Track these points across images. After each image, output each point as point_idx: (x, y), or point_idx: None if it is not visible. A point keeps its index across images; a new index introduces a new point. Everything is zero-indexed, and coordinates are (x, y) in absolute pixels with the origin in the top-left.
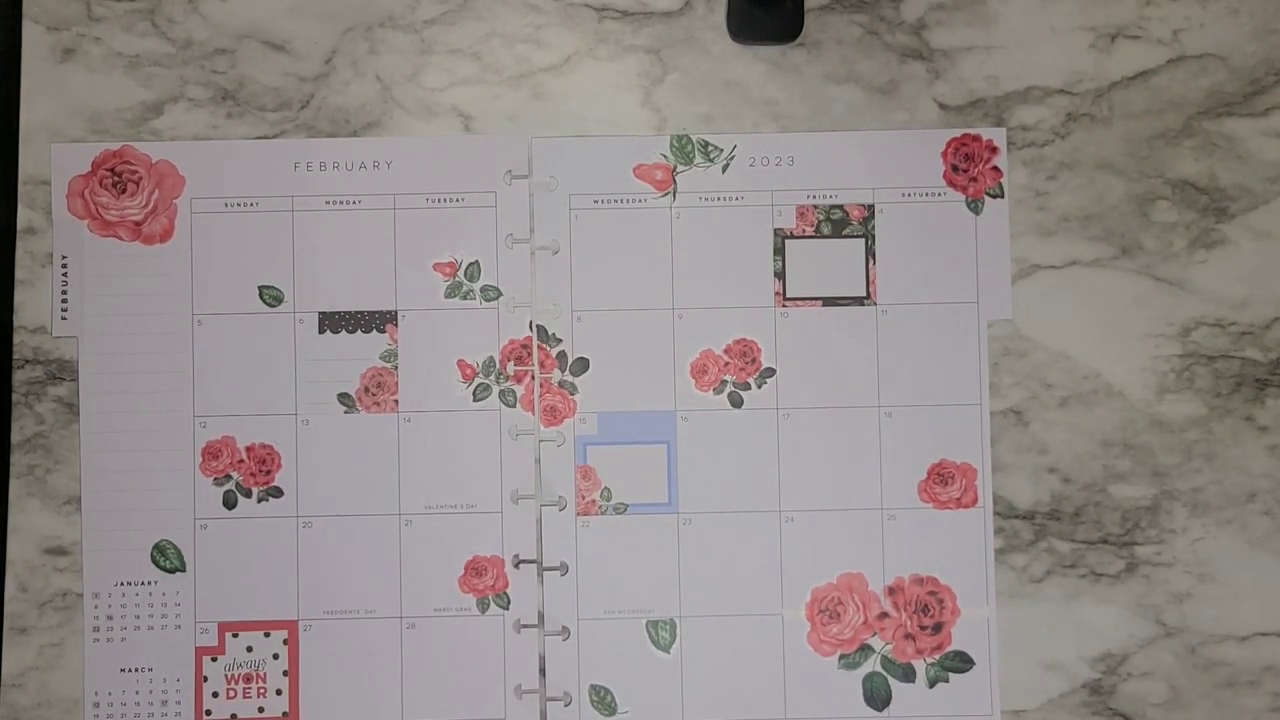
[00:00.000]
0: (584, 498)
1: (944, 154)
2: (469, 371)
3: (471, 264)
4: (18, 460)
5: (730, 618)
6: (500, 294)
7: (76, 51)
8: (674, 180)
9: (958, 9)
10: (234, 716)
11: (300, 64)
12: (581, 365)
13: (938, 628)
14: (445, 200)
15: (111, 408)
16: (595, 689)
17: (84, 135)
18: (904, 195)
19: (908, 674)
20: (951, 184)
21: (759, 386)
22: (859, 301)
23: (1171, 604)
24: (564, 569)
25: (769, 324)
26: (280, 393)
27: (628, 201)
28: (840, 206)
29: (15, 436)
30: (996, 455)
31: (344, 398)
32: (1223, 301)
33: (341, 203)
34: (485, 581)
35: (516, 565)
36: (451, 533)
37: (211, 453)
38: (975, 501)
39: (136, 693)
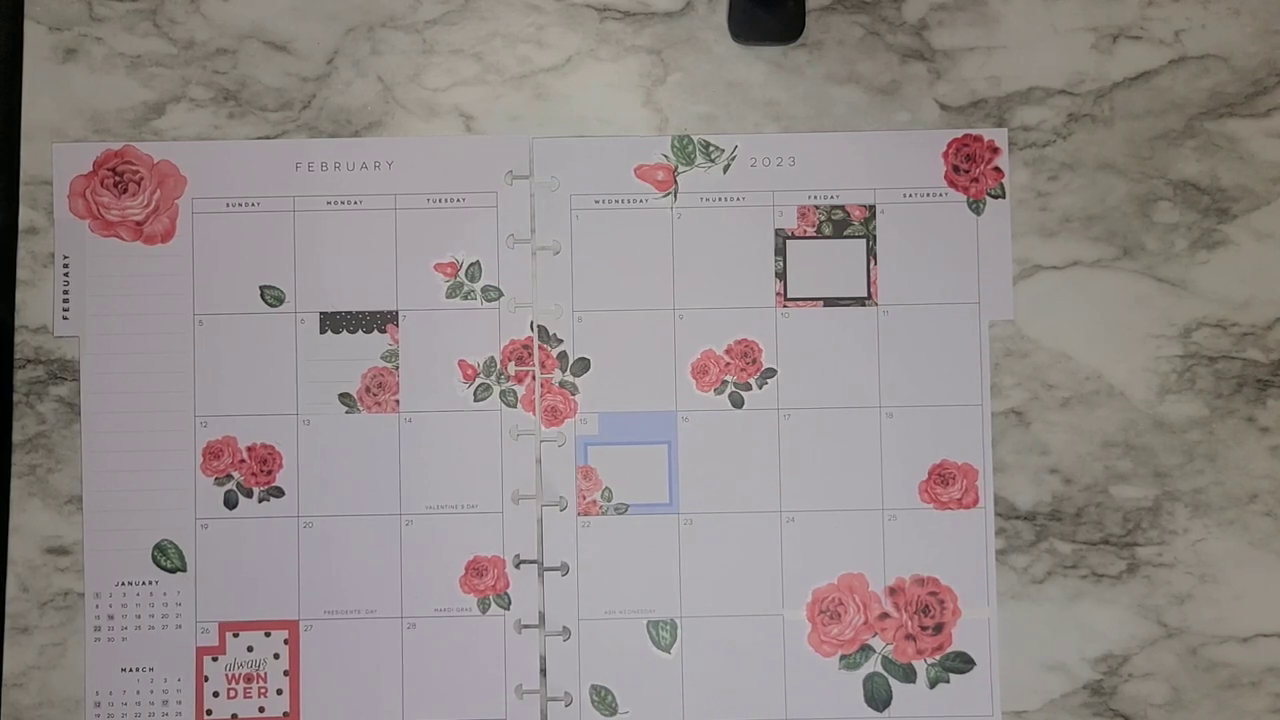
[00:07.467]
0: (585, 498)
1: (945, 154)
2: (470, 372)
3: (472, 264)
4: (19, 460)
5: (731, 618)
6: (501, 294)
7: (78, 51)
8: (675, 180)
9: (959, 9)
10: (235, 716)
11: (302, 64)
12: (582, 365)
13: (938, 628)
14: (446, 200)
15: (113, 407)
16: (596, 689)
17: (85, 135)
18: (905, 196)
19: (908, 674)
20: (953, 184)
21: (760, 387)
22: (860, 302)
23: (1173, 605)
24: (565, 569)
25: (770, 324)
26: (281, 393)
27: (629, 202)
28: (841, 207)
29: (17, 436)
30: (998, 456)
31: (345, 398)
32: (1224, 302)
33: (343, 203)
34: (486, 582)
35: (517, 565)
36: (452, 533)
37: (212, 452)
38: (976, 502)
39: (137, 692)
